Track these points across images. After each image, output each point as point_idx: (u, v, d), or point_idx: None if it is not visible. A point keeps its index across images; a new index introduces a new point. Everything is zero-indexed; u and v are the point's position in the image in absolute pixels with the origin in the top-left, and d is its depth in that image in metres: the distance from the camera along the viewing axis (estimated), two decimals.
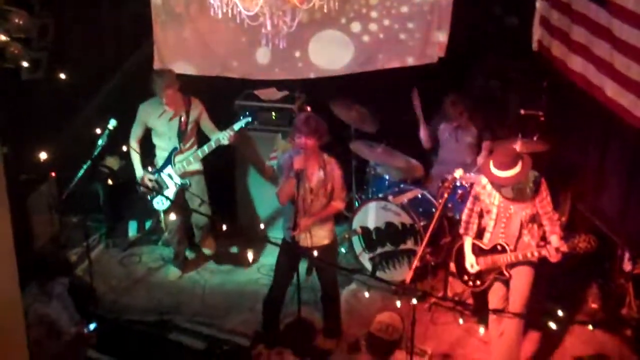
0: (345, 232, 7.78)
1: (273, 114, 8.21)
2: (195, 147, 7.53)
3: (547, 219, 5.90)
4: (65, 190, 7.17)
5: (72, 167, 7.10)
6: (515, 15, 8.07)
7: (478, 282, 6.19)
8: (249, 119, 7.35)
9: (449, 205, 7.32)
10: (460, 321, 6.92)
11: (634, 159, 6.79)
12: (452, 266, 6.47)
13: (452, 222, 7.27)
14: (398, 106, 8.12)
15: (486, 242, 6.10)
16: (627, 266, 6.71)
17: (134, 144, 7.48)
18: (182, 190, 7.53)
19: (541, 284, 6.30)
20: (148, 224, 8.64)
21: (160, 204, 7.54)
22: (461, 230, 6.27)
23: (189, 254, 8.14)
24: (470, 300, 7.00)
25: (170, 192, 7.50)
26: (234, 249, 8.28)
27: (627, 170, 6.97)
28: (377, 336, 6.53)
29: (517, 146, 6.86)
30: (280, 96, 8.35)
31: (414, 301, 5.41)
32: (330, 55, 8.08)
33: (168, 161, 7.42)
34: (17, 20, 6.88)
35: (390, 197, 7.48)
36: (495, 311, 6.13)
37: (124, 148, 7.92)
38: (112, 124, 7.03)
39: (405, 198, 7.51)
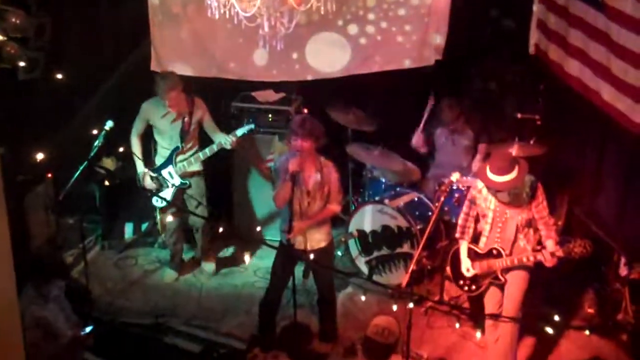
0: (341, 235, 7.77)
1: (270, 116, 8.20)
2: (196, 147, 7.52)
3: (543, 224, 5.90)
4: (61, 191, 7.15)
5: (68, 168, 7.07)
6: (513, 18, 8.08)
7: (474, 287, 6.19)
8: (252, 126, 7.35)
9: (446, 208, 7.32)
10: (457, 325, 6.90)
11: (631, 163, 6.79)
12: (448, 270, 6.46)
13: (449, 226, 7.27)
14: (395, 109, 8.12)
15: (482, 246, 6.09)
16: (623, 271, 6.71)
17: (135, 139, 7.47)
18: (180, 190, 7.51)
19: (537, 289, 6.31)
20: (144, 226, 8.62)
21: (159, 201, 7.53)
22: (457, 235, 6.26)
23: (186, 256, 8.11)
24: (466, 305, 6.99)
25: (170, 190, 7.49)
26: (229, 250, 8.27)
27: (623, 175, 6.97)
28: (374, 340, 6.51)
29: (514, 150, 6.86)
30: (277, 98, 8.34)
31: (410, 305, 5.40)
32: (328, 57, 8.08)
33: (169, 160, 7.41)
34: (14, 20, 6.89)
35: (386, 201, 7.47)
36: (491, 316, 6.13)
37: (121, 149, 7.92)
38: (108, 124, 7.02)
39: (401, 201, 7.50)
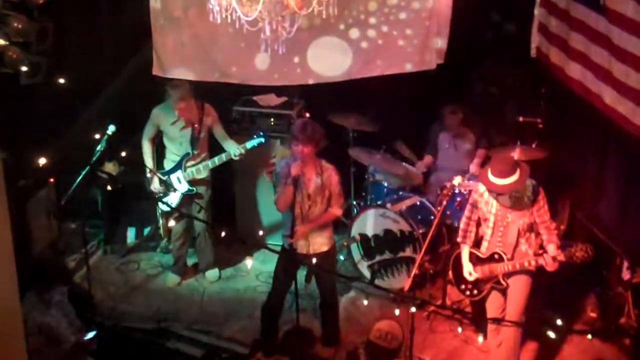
0: (343, 239, 7.76)
1: (272, 120, 8.21)
2: (206, 154, 7.54)
3: (545, 228, 5.89)
4: (63, 196, 7.16)
5: (70, 173, 7.08)
6: (514, 22, 8.08)
7: (475, 291, 6.18)
8: (262, 140, 7.37)
9: (448, 212, 7.32)
10: (459, 330, 6.89)
11: (633, 167, 6.78)
12: (450, 275, 6.45)
13: (451, 230, 7.26)
14: (396, 113, 8.12)
15: (484, 250, 6.09)
16: (626, 275, 6.70)
17: (146, 143, 7.51)
18: (187, 196, 7.52)
19: (539, 293, 6.29)
20: (146, 231, 8.62)
21: (165, 205, 7.53)
22: (459, 239, 6.26)
23: (190, 260, 8.10)
24: (468, 309, 6.99)
25: (177, 195, 7.49)
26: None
27: (625, 178, 6.96)
28: (377, 344, 6.50)
29: (516, 153, 6.86)
30: (279, 102, 8.35)
31: (413, 309, 5.40)
32: (329, 61, 8.06)
33: (179, 165, 7.42)
34: (16, 25, 6.90)
35: (388, 205, 7.47)
36: (494, 320, 6.12)
37: (123, 153, 7.92)
38: (110, 129, 7.03)
39: (403, 205, 7.50)
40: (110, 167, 8.17)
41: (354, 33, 7.90)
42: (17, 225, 6.78)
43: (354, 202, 8.45)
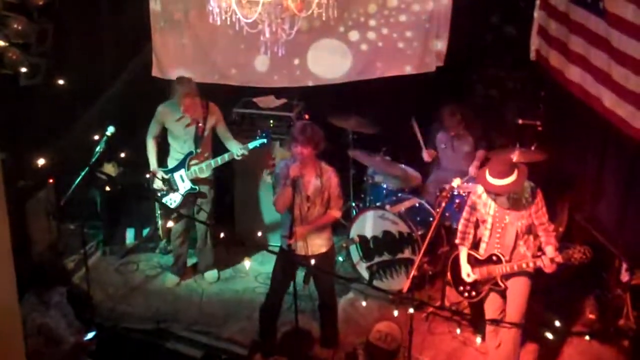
0: (342, 240, 7.77)
1: (271, 121, 8.22)
2: (209, 152, 7.55)
3: (543, 230, 5.90)
4: (63, 197, 7.16)
5: (70, 174, 7.08)
6: (514, 25, 8.09)
7: (473, 293, 6.19)
8: (265, 140, 7.37)
9: (447, 214, 7.34)
10: (458, 331, 6.90)
11: (631, 169, 6.79)
12: (449, 276, 6.46)
13: (450, 231, 7.27)
14: (396, 115, 8.13)
15: (482, 252, 6.09)
16: (625, 277, 6.70)
17: (151, 141, 7.51)
18: (190, 195, 7.53)
19: (539, 295, 6.30)
20: (145, 232, 8.63)
21: (168, 203, 7.54)
22: (457, 241, 6.27)
23: (189, 261, 8.11)
24: (467, 310, 6.99)
25: (179, 194, 7.51)
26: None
27: (624, 181, 6.97)
28: (376, 345, 6.51)
29: (515, 156, 6.87)
30: (279, 104, 8.36)
31: (411, 310, 5.40)
32: (329, 63, 8.10)
33: (182, 164, 7.43)
34: (16, 26, 6.90)
35: (387, 206, 7.47)
36: (492, 322, 6.12)
37: (122, 154, 7.93)
38: (109, 130, 7.03)
39: (402, 207, 7.50)
40: (109, 168, 8.18)
41: (354, 35, 7.94)
42: (16, 226, 6.78)
43: (353, 204, 8.45)
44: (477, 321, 6.68)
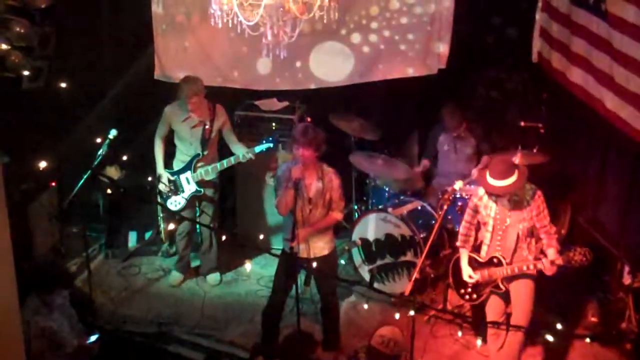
0: (345, 243, 7.77)
1: (273, 124, 8.21)
2: (215, 154, 7.56)
3: (544, 233, 5.89)
4: (65, 200, 7.17)
5: (72, 177, 7.09)
6: (516, 27, 8.09)
7: (475, 296, 6.18)
8: (271, 144, 7.38)
9: (449, 217, 7.32)
10: (459, 334, 6.89)
11: (634, 171, 6.79)
12: (450, 279, 6.45)
13: (452, 234, 7.25)
14: (398, 117, 8.13)
15: (483, 255, 6.08)
16: (627, 280, 6.70)
17: (158, 141, 7.52)
18: (194, 197, 7.55)
19: (541, 298, 6.28)
20: (148, 235, 8.63)
21: (173, 204, 7.54)
22: (458, 243, 6.26)
23: (193, 263, 8.12)
24: (469, 314, 6.98)
25: (185, 196, 7.51)
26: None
27: (626, 183, 6.97)
28: (378, 350, 6.49)
29: (517, 158, 6.87)
30: (281, 107, 8.36)
31: (412, 313, 5.39)
32: (331, 66, 8.10)
33: (188, 166, 7.44)
34: (18, 29, 6.90)
35: (390, 209, 7.47)
36: (494, 324, 6.11)
37: (124, 157, 7.93)
38: (112, 133, 7.03)
39: (405, 210, 7.49)
40: (112, 172, 8.19)
41: (356, 38, 7.94)
42: (19, 228, 6.81)
43: (355, 207, 8.45)
44: (478, 324, 6.67)
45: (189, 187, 7.47)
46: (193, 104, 7.20)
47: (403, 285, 7.26)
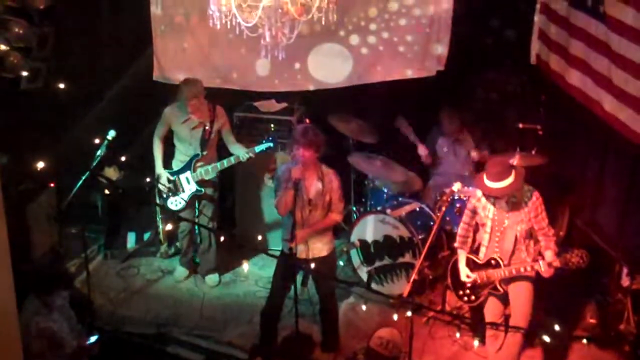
0: (343, 245, 7.77)
1: (272, 125, 8.22)
2: (214, 154, 7.58)
3: (542, 235, 5.89)
4: (64, 201, 7.17)
5: (71, 178, 7.09)
6: (514, 29, 8.09)
7: (473, 297, 6.18)
8: (271, 144, 7.39)
9: (447, 218, 7.32)
10: (457, 335, 6.89)
11: (632, 173, 6.79)
12: (449, 280, 6.46)
13: (451, 236, 7.25)
14: (397, 118, 8.13)
15: (481, 256, 6.09)
16: (625, 281, 6.70)
17: (157, 141, 7.53)
18: (194, 197, 7.56)
19: (539, 300, 6.29)
20: (146, 236, 8.63)
21: (174, 204, 7.55)
22: (456, 244, 6.26)
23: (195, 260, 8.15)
24: (468, 315, 6.99)
25: (185, 195, 7.53)
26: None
27: (625, 185, 6.97)
28: (377, 352, 6.49)
29: (516, 160, 6.87)
30: (280, 108, 8.37)
31: (409, 313, 5.39)
32: (329, 67, 8.11)
33: (188, 166, 7.45)
34: (17, 30, 6.93)
35: (388, 210, 7.47)
36: (492, 326, 6.12)
37: (123, 158, 7.94)
38: (110, 134, 7.03)
39: (403, 211, 7.50)
40: (110, 172, 8.19)
41: (354, 39, 7.94)
42: (17, 229, 6.81)
43: (354, 208, 8.46)
44: (477, 325, 6.68)
45: (189, 187, 7.48)
46: (193, 106, 7.21)
47: (401, 286, 7.26)
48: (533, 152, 7.40)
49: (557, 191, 7.37)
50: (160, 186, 7.51)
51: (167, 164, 7.59)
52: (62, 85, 7.79)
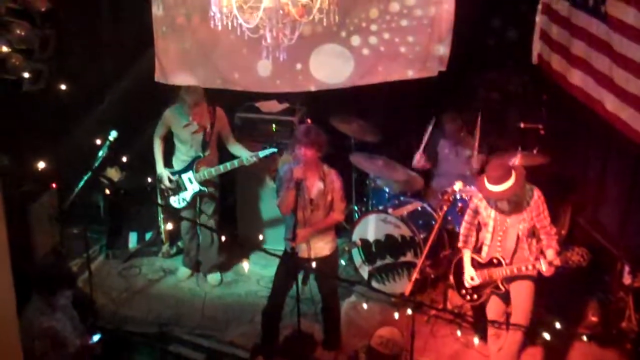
0: (345, 244, 7.78)
1: (274, 126, 8.23)
2: (216, 155, 7.62)
3: (545, 233, 5.90)
4: (66, 201, 7.19)
5: (72, 178, 7.11)
6: (516, 29, 8.09)
7: (475, 296, 6.19)
8: (275, 150, 7.41)
9: (449, 217, 7.33)
10: (458, 333, 6.90)
11: (634, 172, 6.79)
12: (452, 279, 6.46)
13: (452, 235, 7.27)
14: (398, 119, 8.13)
15: (484, 255, 6.10)
16: (627, 280, 6.70)
17: (157, 141, 7.56)
18: (196, 196, 7.59)
19: (541, 298, 6.30)
20: (148, 236, 8.65)
21: (177, 202, 7.57)
22: (460, 244, 6.27)
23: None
24: (470, 313, 7.00)
25: (187, 195, 7.55)
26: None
27: (626, 184, 6.97)
28: (377, 351, 6.50)
29: (517, 159, 6.88)
30: (281, 108, 8.38)
31: (409, 311, 5.40)
32: (331, 68, 8.11)
33: (190, 166, 7.48)
34: (18, 32, 6.94)
35: (390, 210, 7.48)
36: (493, 324, 6.13)
37: (124, 159, 7.95)
38: (112, 135, 7.06)
39: (405, 210, 7.50)
40: (112, 173, 8.20)
41: (356, 40, 7.94)
42: (19, 230, 6.83)
43: (356, 207, 8.46)
44: (479, 324, 6.68)
45: (192, 187, 7.51)
46: (195, 113, 7.25)
47: (403, 285, 7.25)
48: (535, 152, 7.40)
49: (558, 190, 7.37)
50: (162, 185, 7.54)
51: (168, 162, 7.61)
52: (63, 87, 7.80)
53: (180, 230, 8.08)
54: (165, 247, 8.39)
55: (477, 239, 6.22)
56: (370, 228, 7.61)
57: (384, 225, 7.51)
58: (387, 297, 7.09)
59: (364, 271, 7.76)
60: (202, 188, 7.52)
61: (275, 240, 8.01)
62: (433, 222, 7.31)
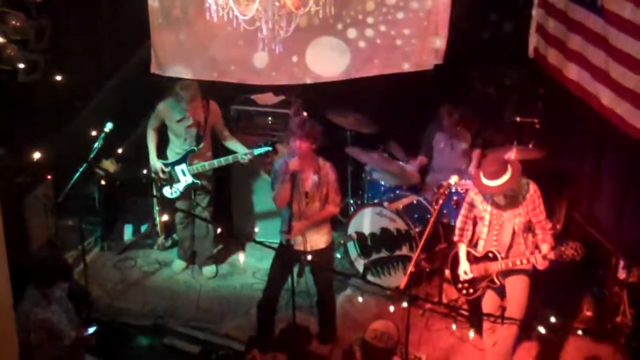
0: (340, 237, 7.78)
1: (269, 118, 8.22)
2: (210, 148, 7.63)
3: (540, 228, 5.90)
4: (61, 193, 7.17)
5: (68, 170, 7.09)
6: (512, 22, 8.09)
7: (471, 290, 6.20)
8: (270, 148, 7.39)
9: (444, 211, 7.34)
10: (453, 327, 6.91)
11: (629, 167, 6.80)
12: (447, 273, 6.47)
13: (447, 229, 7.28)
14: (394, 112, 8.12)
15: (480, 249, 6.10)
16: (622, 274, 6.72)
17: (151, 133, 7.58)
18: (190, 187, 7.59)
19: (536, 292, 6.31)
20: (143, 228, 8.64)
21: (169, 193, 7.57)
22: (455, 238, 6.27)
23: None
24: (465, 307, 7.01)
25: (180, 186, 7.56)
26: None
27: (622, 179, 6.98)
28: (372, 344, 6.51)
29: (513, 153, 6.88)
30: (277, 101, 8.37)
31: (404, 304, 5.40)
32: (327, 60, 8.06)
33: (184, 159, 7.48)
34: (14, 22, 6.92)
35: (385, 203, 7.48)
36: (489, 317, 6.13)
37: (120, 151, 7.93)
38: (108, 126, 7.04)
39: (400, 204, 7.51)
40: (107, 165, 8.18)
41: (352, 33, 7.89)
42: (14, 221, 6.81)
43: (351, 201, 8.46)
44: (474, 318, 6.69)
45: (185, 179, 7.51)
46: (192, 108, 7.26)
47: (398, 279, 7.27)
48: (530, 146, 7.39)
49: (554, 184, 7.38)
50: (155, 176, 7.54)
51: (162, 153, 7.60)
52: (59, 78, 7.78)
53: (175, 223, 8.07)
54: (160, 240, 8.39)
55: (473, 233, 6.22)
56: (366, 221, 7.61)
57: (380, 218, 7.51)
58: (382, 290, 7.09)
59: (360, 264, 7.76)
60: (195, 180, 7.52)
61: (270, 232, 8.02)
62: (428, 216, 7.31)
